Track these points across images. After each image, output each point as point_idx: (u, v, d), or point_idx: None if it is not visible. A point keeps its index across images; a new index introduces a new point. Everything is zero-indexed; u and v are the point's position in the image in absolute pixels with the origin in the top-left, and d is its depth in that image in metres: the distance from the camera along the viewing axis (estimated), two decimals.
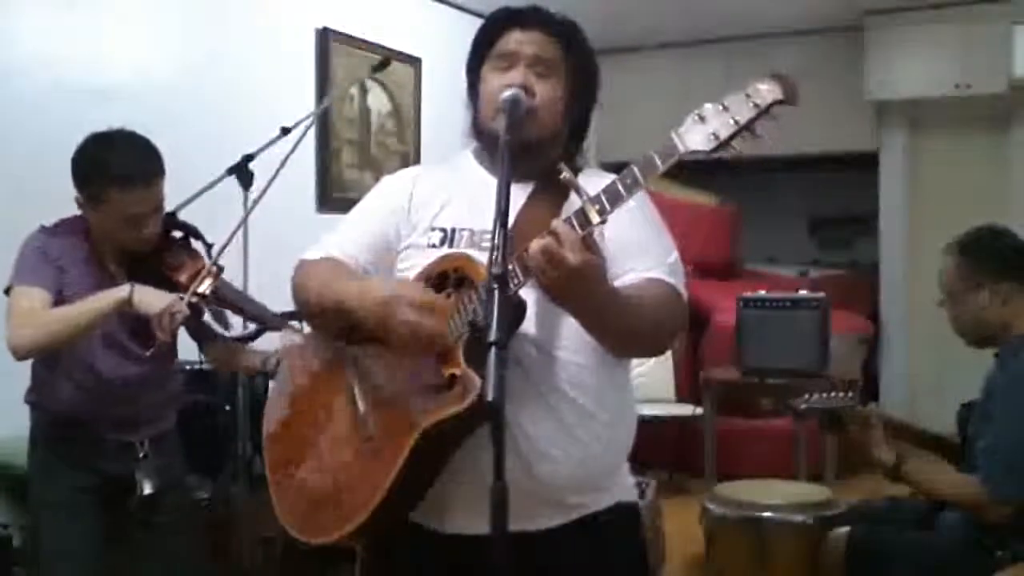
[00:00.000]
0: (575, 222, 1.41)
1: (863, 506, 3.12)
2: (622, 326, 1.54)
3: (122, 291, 2.23)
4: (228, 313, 2.55)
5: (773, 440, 5.37)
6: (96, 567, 2.44)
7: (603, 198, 1.42)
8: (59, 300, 2.31)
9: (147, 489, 2.44)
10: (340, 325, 1.66)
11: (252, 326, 2.64)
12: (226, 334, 2.60)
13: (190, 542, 2.63)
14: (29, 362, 2.42)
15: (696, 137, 1.40)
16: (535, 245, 1.38)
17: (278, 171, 2.57)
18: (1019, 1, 5.68)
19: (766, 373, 4.93)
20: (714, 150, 1.40)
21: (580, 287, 1.41)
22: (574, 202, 1.48)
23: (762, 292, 5.16)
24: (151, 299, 2.21)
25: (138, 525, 2.49)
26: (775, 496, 3.34)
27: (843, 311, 5.75)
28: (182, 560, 2.56)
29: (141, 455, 2.46)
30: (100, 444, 2.44)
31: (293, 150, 2.73)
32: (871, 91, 6.11)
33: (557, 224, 1.39)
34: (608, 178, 1.70)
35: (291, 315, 2.40)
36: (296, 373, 1.83)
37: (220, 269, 2.43)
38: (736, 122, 1.39)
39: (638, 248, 1.63)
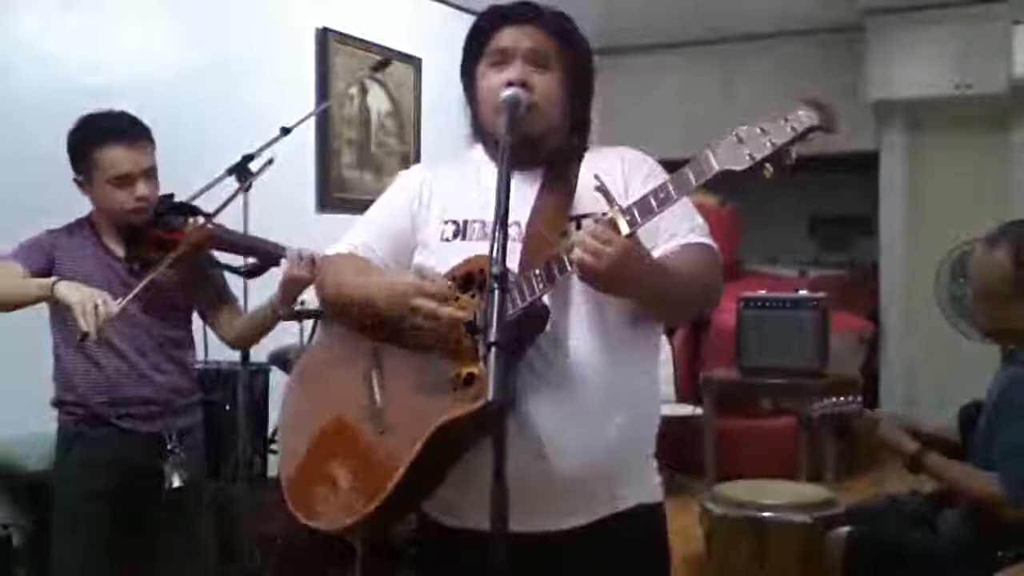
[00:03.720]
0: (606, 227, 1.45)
1: (863, 506, 3.12)
2: (676, 296, 1.59)
3: (47, 281, 2.29)
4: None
5: (773, 440, 5.37)
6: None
7: (634, 210, 1.46)
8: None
9: (176, 482, 2.44)
10: (363, 318, 1.67)
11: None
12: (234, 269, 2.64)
13: (202, 543, 2.63)
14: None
15: (731, 156, 1.43)
16: (577, 251, 1.43)
17: (264, 167, 2.59)
18: (1019, 1, 5.68)
19: (766, 373, 4.93)
20: (747, 170, 1.43)
21: (630, 272, 1.46)
22: (585, 191, 1.53)
23: (762, 292, 5.16)
24: (71, 292, 2.24)
25: (157, 528, 2.50)
26: (775, 496, 3.34)
27: (843, 311, 5.75)
28: (193, 560, 2.56)
29: (169, 447, 2.46)
30: (127, 436, 2.45)
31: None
32: (871, 91, 6.11)
33: (597, 227, 1.44)
34: (615, 154, 1.72)
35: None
36: (315, 364, 1.85)
37: (216, 225, 2.52)
38: (772, 144, 1.42)
39: (671, 220, 1.64)
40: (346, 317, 1.75)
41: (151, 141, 2.47)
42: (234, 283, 2.72)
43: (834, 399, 2.77)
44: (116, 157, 2.39)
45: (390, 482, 1.52)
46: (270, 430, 3.69)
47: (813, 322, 4.91)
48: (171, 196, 2.55)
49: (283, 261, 2.50)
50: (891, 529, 2.74)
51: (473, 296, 1.56)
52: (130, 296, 2.30)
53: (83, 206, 2.55)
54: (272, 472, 3.59)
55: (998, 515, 2.41)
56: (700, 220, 1.71)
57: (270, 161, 2.62)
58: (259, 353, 3.38)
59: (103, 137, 2.40)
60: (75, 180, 2.46)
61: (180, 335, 2.59)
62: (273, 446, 3.67)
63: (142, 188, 2.43)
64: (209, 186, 2.61)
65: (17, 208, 3.45)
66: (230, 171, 2.70)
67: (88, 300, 2.17)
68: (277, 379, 3.68)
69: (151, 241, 2.46)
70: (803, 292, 5.19)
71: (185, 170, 2.59)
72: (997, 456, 2.43)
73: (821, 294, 5.07)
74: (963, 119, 6.16)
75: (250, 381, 3.36)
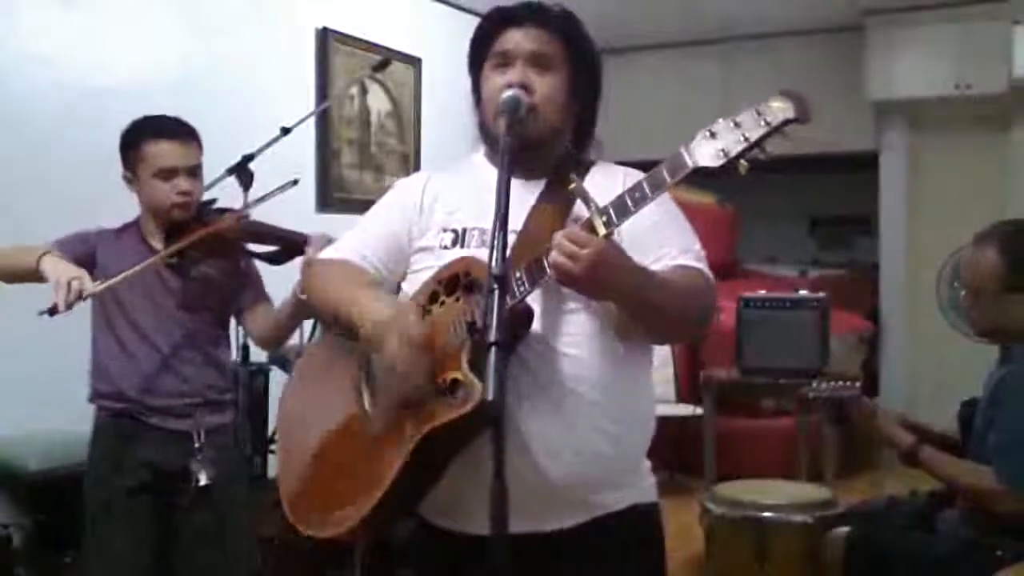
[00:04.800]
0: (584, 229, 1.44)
1: (863, 506, 3.12)
2: (662, 306, 1.56)
3: (37, 253, 2.34)
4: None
5: (773, 440, 5.37)
6: (141, 570, 2.48)
7: (611, 210, 1.45)
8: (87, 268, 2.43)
9: (203, 480, 2.46)
10: (347, 331, 1.67)
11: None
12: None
13: (231, 542, 2.62)
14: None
15: (705, 152, 1.41)
16: (553, 254, 1.41)
17: (287, 186, 2.62)
18: (1019, 1, 5.68)
19: (766, 373, 4.93)
20: (722, 167, 1.41)
21: (609, 274, 1.45)
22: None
23: (762, 292, 5.16)
24: (52, 268, 2.29)
25: (187, 527, 2.51)
26: (775, 496, 3.34)
27: (843, 311, 5.75)
28: (227, 555, 2.57)
29: (197, 445, 2.49)
30: (157, 434, 2.48)
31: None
32: (871, 91, 6.11)
33: (572, 230, 1.42)
34: (620, 172, 1.70)
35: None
36: (311, 367, 1.85)
37: (247, 220, 2.59)
38: (746, 139, 1.39)
39: (663, 238, 1.64)
40: (333, 326, 1.75)
41: (199, 143, 2.56)
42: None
43: (832, 383, 2.77)
44: (162, 150, 2.48)
45: (380, 489, 1.52)
46: (270, 430, 3.70)
47: (813, 322, 4.91)
48: (213, 201, 2.62)
49: (308, 249, 2.53)
50: (891, 529, 2.74)
51: (458, 299, 1.56)
52: (118, 279, 2.35)
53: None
54: (272, 472, 3.59)
55: (993, 509, 2.41)
56: (696, 246, 1.69)
57: (295, 182, 2.67)
58: (259, 353, 3.38)
59: (152, 133, 2.50)
60: (124, 177, 2.53)
61: (215, 332, 2.62)
62: (273, 446, 3.67)
63: (185, 183, 2.50)
64: (209, 186, 2.62)
65: (17, 207, 3.46)
66: (230, 171, 2.70)
67: (64, 275, 2.23)
68: (277, 379, 3.68)
69: (190, 236, 2.49)
70: (803, 292, 5.19)
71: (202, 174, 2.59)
72: (991, 450, 2.43)
73: (821, 294, 5.06)
74: (963, 119, 6.16)
75: (250, 381, 3.36)
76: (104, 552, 2.48)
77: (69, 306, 2.21)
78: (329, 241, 2.36)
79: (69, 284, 2.20)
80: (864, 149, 6.37)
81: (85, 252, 2.48)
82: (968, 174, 6.12)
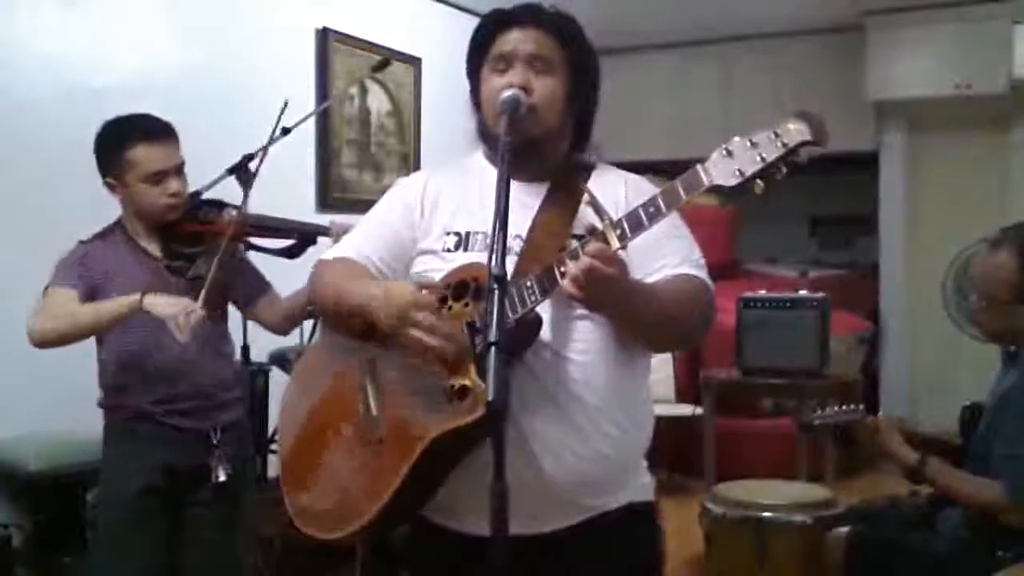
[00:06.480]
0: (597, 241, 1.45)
1: (863, 506, 3.12)
2: (660, 321, 1.59)
3: (134, 297, 2.32)
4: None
5: (773, 440, 5.37)
6: (158, 569, 2.48)
7: (624, 224, 1.46)
8: (93, 295, 2.42)
9: (222, 476, 2.47)
10: (358, 325, 1.65)
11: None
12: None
13: (247, 534, 2.65)
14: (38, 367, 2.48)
15: (722, 171, 1.42)
16: (574, 268, 1.42)
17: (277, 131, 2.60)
18: (1019, 1, 5.68)
19: (766, 373, 4.93)
20: (737, 186, 1.42)
21: (618, 293, 1.47)
22: (589, 209, 1.51)
23: (762, 292, 5.15)
24: (162, 304, 2.30)
25: (200, 523, 2.52)
26: (775, 496, 3.34)
27: (843, 311, 5.75)
28: (232, 553, 2.59)
29: (215, 442, 2.49)
30: (176, 435, 2.47)
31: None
32: (871, 91, 6.11)
33: (593, 246, 1.43)
34: (620, 177, 1.70)
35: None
36: (313, 371, 1.84)
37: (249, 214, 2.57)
38: (762, 159, 1.41)
39: (665, 247, 1.65)
40: (341, 324, 1.73)
41: (178, 139, 2.52)
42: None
43: (835, 408, 2.76)
44: (150, 155, 2.44)
45: (386, 492, 1.53)
46: (270, 430, 3.70)
47: (813, 322, 4.91)
48: (198, 193, 2.59)
49: (320, 240, 2.52)
50: (891, 529, 2.74)
51: (466, 305, 1.56)
52: (203, 298, 2.34)
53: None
54: (272, 472, 3.59)
55: (1000, 520, 2.41)
56: (696, 255, 1.71)
57: (285, 104, 2.64)
58: (259, 353, 3.38)
59: (135, 137, 2.45)
60: (106, 183, 2.48)
61: (221, 328, 2.62)
62: (273, 446, 3.67)
63: (175, 184, 2.48)
64: (209, 186, 2.62)
65: (18, 207, 3.46)
66: (230, 171, 2.70)
67: (180, 313, 2.26)
68: (277, 379, 3.68)
69: (186, 236, 2.49)
70: (803, 292, 5.18)
71: (185, 169, 2.59)
72: (998, 459, 2.42)
73: (821, 294, 5.06)
74: (963, 119, 6.16)
75: (250, 381, 3.36)
76: (119, 553, 2.47)
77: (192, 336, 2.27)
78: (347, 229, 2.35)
79: (188, 317, 2.25)
80: (864, 149, 6.36)
81: (90, 275, 2.44)
82: (968, 174, 6.12)
